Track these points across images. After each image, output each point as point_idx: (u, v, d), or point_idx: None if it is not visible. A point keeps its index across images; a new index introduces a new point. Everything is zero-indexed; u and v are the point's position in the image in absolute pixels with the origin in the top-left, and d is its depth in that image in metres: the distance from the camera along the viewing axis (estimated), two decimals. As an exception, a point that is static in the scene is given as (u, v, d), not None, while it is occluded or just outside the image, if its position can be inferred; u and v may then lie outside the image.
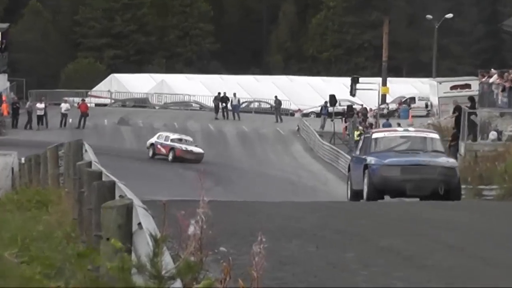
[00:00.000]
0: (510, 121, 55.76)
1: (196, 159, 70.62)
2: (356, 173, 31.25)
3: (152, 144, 73.38)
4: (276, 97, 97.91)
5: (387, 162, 29.50)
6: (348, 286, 12.47)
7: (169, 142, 73.11)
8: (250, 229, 13.74)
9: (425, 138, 31.70)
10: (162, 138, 73.87)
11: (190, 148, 72.70)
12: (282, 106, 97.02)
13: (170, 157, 71.63)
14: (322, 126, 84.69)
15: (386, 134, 32.27)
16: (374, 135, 32.06)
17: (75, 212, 17.63)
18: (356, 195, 31.54)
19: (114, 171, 17.79)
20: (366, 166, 30.03)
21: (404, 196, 29.69)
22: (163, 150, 72.75)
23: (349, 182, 33.34)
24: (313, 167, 70.16)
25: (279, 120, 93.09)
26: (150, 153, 72.99)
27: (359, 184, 30.63)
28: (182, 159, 70.83)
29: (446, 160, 30.44)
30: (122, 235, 8.34)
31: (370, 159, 30.16)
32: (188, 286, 6.39)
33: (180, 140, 74.14)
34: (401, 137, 31.72)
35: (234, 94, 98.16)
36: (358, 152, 33.14)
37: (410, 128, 36.01)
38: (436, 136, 32.70)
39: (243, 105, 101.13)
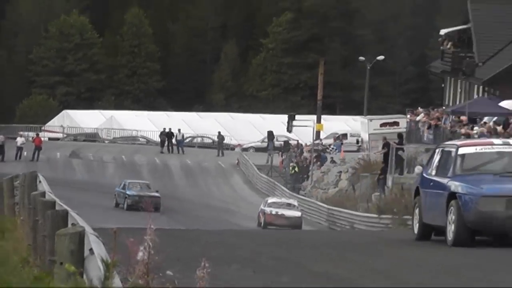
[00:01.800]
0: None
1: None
2: (432, 203, 21.15)
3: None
4: (219, 132, 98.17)
5: (486, 191, 19.52)
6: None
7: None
8: (193, 255, 13.85)
9: None
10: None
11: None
12: (224, 141, 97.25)
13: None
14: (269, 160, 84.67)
15: (479, 148, 21.06)
16: (462, 150, 21.00)
17: (29, 239, 17.55)
18: (428, 231, 21.57)
19: (67, 201, 17.85)
20: (452, 196, 19.93)
21: (506, 236, 19.80)
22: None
23: (417, 212, 22.04)
24: (252, 199, 70.20)
25: (220, 154, 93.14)
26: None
27: (437, 219, 20.75)
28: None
29: None
30: (75, 260, 8.45)
31: (459, 186, 20.01)
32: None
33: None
34: (499, 153, 21.23)
35: (179, 130, 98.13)
36: (433, 172, 21.78)
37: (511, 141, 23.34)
38: None
39: (187, 140, 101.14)
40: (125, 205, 62.39)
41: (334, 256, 20.30)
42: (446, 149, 21.60)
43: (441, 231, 20.31)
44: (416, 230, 21.80)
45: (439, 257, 18.95)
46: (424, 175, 22.03)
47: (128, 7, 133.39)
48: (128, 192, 63.10)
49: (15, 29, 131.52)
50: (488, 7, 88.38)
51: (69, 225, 11.65)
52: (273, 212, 57.56)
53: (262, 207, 60.11)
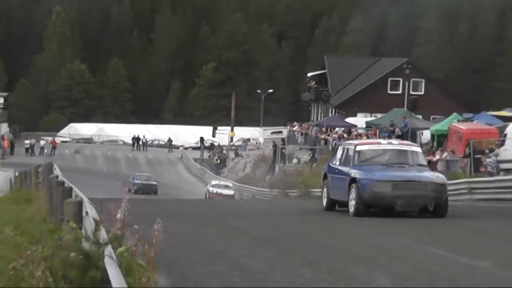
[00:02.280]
0: (305, 153, 56.27)
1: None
2: (337, 184, 20.69)
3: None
4: (169, 138, 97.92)
5: (377, 177, 19.34)
6: (210, 249, 12.48)
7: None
8: (152, 215, 13.81)
9: (409, 151, 21.04)
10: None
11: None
12: (172, 143, 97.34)
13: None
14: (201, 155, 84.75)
15: (371, 146, 21.15)
16: (359, 147, 20.78)
17: (47, 205, 17.45)
18: (333, 204, 21.16)
19: (72, 181, 17.64)
20: (353, 180, 19.60)
21: (392, 210, 19.31)
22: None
23: (325, 191, 21.61)
24: (190, 180, 69.95)
25: (170, 151, 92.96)
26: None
27: (340, 195, 20.38)
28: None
29: (435, 176, 20.30)
30: (77, 219, 8.33)
31: (358, 173, 19.71)
32: (115, 249, 6.37)
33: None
34: (385, 150, 20.97)
35: (143, 136, 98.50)
36: (337, 163, 21.37)
37: (394, 141, 23.52)
38: (419, 149, 22.09)
39: (149, 142, 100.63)
40: (133, 190, 56.98)
41: (243, 216, 20.17)
42: (347, 147, 21.21)
43: (344, 204, 19.90)
44: (324, 204, 21.23)
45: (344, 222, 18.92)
46: (331, 165, 21.53)
47: (111, 57, 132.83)
48: (135, 181, 58.91)
49: (39, 71, 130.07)
50: (337, 59, 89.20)
51: (73, 197, 11.49)
52: (214, 191, 54.26)
53: (207, 187, 57.14)
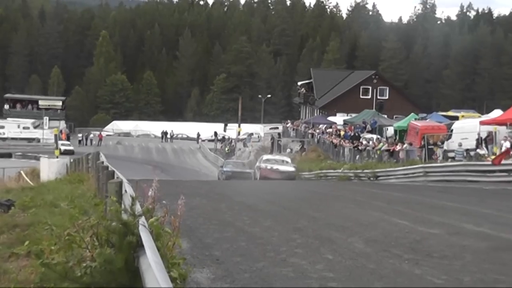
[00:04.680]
0: (296, 144, 56.18)
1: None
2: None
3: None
4: (198, 132, 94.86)
5: None
6: (219, 218, 12.36)
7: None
8: (176, 192, 13.75)
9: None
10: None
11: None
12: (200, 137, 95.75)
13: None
14: (215, 146, 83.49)
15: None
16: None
17: (95, 185, 17.34)
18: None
19: (114, 166, 17.52)
20: None
21: None
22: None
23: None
24: (206, 164, 69.87)
25: (198, 143, 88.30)
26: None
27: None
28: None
29: None
30: (118, 195, 8.21)
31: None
32: (147, 220, 6.26)
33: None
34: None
35: (172, 130, 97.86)
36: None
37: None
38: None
39: (174, 136, 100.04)
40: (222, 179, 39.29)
41: (251, 193, 20.00)
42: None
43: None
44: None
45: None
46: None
47: (145, 70, 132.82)
48: (225, 169, 41.10)
49: (89, 80, 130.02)
50: (321, 71, 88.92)
51: (115, 178, 11.35)
52: (269, 167, 35.61)
53: (258, 164, 37.44)
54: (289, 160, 38.31)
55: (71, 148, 66.44)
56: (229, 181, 33.21)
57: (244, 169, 41.73)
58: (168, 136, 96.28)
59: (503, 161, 24.42)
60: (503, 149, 26.14)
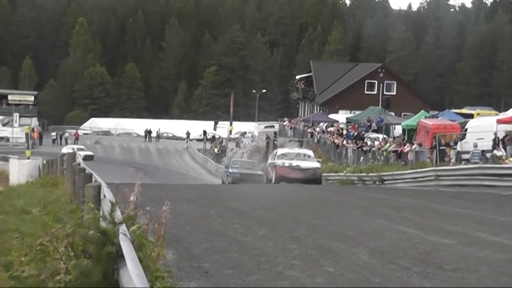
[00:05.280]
0: (294, 144, 56.21)
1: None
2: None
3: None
4: (187, 131, 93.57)
5: None
6: (209, 226, 12.36)
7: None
8: (161, 197, 13.71)
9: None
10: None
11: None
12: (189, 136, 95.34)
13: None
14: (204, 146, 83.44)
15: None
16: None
17: (71, 189, 17.33)
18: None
19: (92, 168, 17.51)
20: None
21: None
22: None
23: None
24: (194, 167, 69.79)
25: (186, 142, 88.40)
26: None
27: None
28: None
29: None
30: (95, 201, 8.21)
31: None
32: (129, 228, 6.25)
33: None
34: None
35: (159, 129, 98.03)
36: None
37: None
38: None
39: (164, 134, 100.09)
40: (227, 182, 37.20)
41: (242, 198, 20.00)
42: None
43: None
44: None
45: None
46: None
47: (127, 61, 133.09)
48: (230, 170, 38.20)
49: (65, 73, 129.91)
50: (321, 64, 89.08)
51: (93, 181, 11.36)
52: (287, 164, 30.67)
53: (271, 160, 32.61)
54: (311, 153, 34.41)
55: (91, 153, 64.45)
56: (220, 185, 33.11)
57: (254, 170, 38.35)
58: (154, 135, 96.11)
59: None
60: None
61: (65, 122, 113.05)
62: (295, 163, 30.90)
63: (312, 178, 30.00)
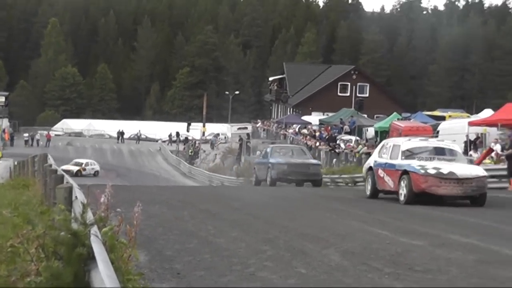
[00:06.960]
0: (267, 146, 56.26)
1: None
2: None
3: None
4: (170, 133, 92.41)
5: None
6: (181, 228, 12.36)
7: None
8: (132, 199, 13.69)
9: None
10: None
11: None
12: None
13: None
14: (177, 147, 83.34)
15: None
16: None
17: (42, 190, 17.23)
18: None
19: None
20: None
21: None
22: None
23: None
24: (167, 168, 69.63)
25: (171, 144, 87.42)
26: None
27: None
28: None
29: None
30: (67, 202, 8.19)
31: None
32: (100, 229, 6.25)
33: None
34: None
35: (139, 131, 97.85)
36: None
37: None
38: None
39: (131, 136, 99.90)
40: (270, 178, 28.02)
41: (213, 200, 19.99)
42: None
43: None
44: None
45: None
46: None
47: (99, 62, 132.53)
48: (271, 160, 28.26)
49: (36, 74, 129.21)
50: (294, 66, 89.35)
51: (64, 183, 11.31)
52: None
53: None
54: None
55: (98, 169, 60.62)
56: (193, 187, 32.93)
57: (307, 159, 29.49)
58: (131, 136, 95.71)
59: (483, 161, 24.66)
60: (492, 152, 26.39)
61: (36, 123, 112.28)
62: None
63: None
